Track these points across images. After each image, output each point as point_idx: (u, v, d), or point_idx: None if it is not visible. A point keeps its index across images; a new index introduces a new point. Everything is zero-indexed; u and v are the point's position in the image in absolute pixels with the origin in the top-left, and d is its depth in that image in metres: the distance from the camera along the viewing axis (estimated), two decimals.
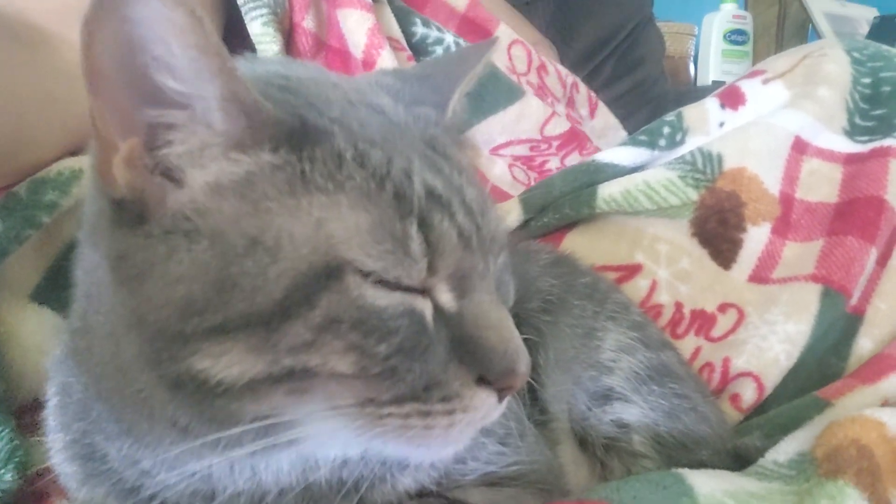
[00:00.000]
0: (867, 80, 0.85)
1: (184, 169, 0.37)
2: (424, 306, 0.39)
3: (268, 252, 0.35)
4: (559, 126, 1.13)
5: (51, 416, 0.50)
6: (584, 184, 0.86)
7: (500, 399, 0.41)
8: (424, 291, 0.39)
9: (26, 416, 0.61)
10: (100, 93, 0.35)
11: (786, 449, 0.54)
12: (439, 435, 0.39)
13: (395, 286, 0.37)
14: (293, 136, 0.37)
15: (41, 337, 0.64)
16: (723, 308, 0.78)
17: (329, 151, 0.38)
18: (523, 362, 0.40)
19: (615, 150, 0.89)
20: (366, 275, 0.36)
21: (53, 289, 0.66)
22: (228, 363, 0.36)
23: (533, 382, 0.58)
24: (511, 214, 0.87)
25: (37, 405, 0.62)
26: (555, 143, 1.11)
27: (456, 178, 0.41)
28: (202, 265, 0.36)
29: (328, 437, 0.39)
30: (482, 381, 0.39)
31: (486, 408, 0.40)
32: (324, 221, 0.36)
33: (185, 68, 0.35)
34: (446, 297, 0.40)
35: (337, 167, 0.37)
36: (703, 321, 0.78)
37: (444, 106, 0.49)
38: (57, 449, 0.49)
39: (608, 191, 0.82)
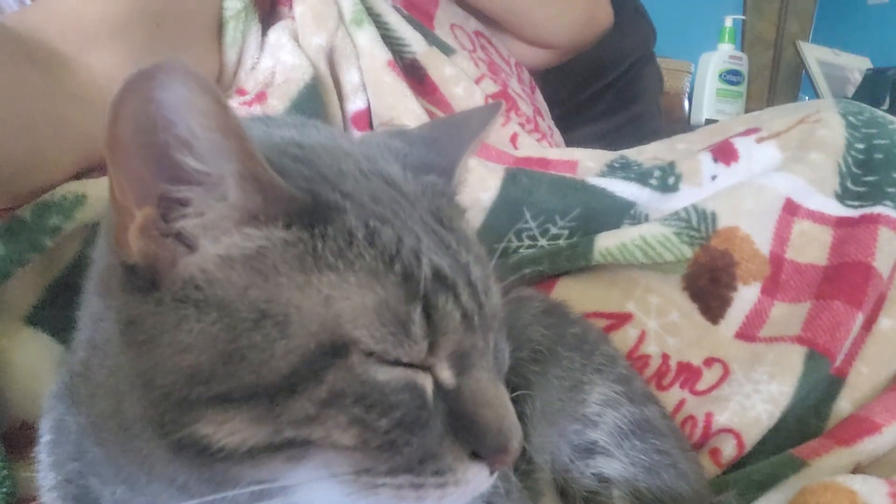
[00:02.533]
0: (861, 146, 0.87)
1: (196, 239, 0.38)
2: (426, 381, 0.39)
3: (277, 327, 0.36)
4: (491, 86, 1.15)
5: (44, 453, 0.50)
6: (569, 200, 0.89)
7: (491, 473, 0.41)
8: (426, 368, 0.40)
9: (13, 441, 0.60)
10: (120, 164, 0.36)
11: None
12: None
13: (396, 363, 0.38)
14: (306, 213, 0.38)
15: (34, 360, 0.64)
16: (709, 362, 0.79)
17: (340, 229, 0.38)
18: (516, 440, 0.40)
19: (606, 178, 0.91)
20: (368, 353, 0.37)
21: (49, 312, 0.66)
22: (231, 431, 0.36)
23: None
24: (487, 192, 0.89)
25: (24, 429, 0.62)
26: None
27: (463, 255, 0.42)
28: (211, 336, 0.36)
29: (322, 502, 0.39)
30: (475, 455, 0.40)
31: (478, 481, 0.40)
32: (332, 300, 0.37)
33: (206, 149, 0.36)
34: (446, 374, 0.40)
35: (348, 245, 0.38)
36: (688, 374, 0.79)
37: (451, 173, 0.49)
38: (48, 487, 0.49)
39: (605, 244, 0.83)
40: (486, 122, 0.53)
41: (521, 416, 0.56)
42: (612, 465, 0.59)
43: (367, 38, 1.03)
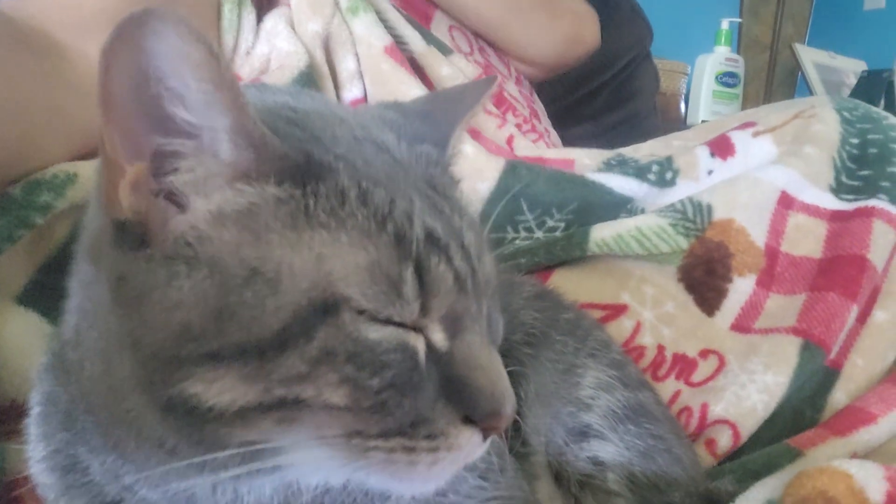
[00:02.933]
0: (855, 141, 0.87)
1: (188, 196, 0.38)
2: (418, 343, 0.39)
3: (267, 284, 0.36)
4: None
5: (33, 425, 0.49)
6: (568, 194, 0.89)
7: (485, 438, 0.41)
8: (418, 329, 0.39)
9: (3, 418, 0.60)
10: (111, 118, 0.36)
11: (755, 496, 0.54)
12: (422, 471, 0.39)
13: (388, 322, 0.38)
14: (298, 171, 0.38)
15: (24, 340, 0.63)
16: (704, 354, 0.79)
17: (333, 188, 0.38)
18: (509, 404, 0.40)
19: (604, 174, 0.91)
20: (360, 312, 0.37)
21: (40, 293, 0.66)
22: (220, 390, 0.36)
23: (516, 415, 0.59)
24: (485, 182, 0.89)
25: (14, 408, 0.61)
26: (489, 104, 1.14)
27: (456, 220, 0.41)
28: (201, 293, 0.36)
29: (312, 466, 0.39)
30: (468, 420, 0.40)
31: (471, 447, 0.40)
32: (324, 257, 0.36)
33: (198, 100, 0.36)
34: (438, 337, 0.40)
35: (340, 204, 0.38)
36: (683, 365, 0.79)
37: (445, 144, 0.49)
38: (37, 459, 0.48)
39: (600, 234, 0.84)
40: (480, 96, 0.54)
41: (517, 398, 0.55)
42: (607, 449, 0.59)
43: (363, 25, 1.03)
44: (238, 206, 0.37)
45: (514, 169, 0.92)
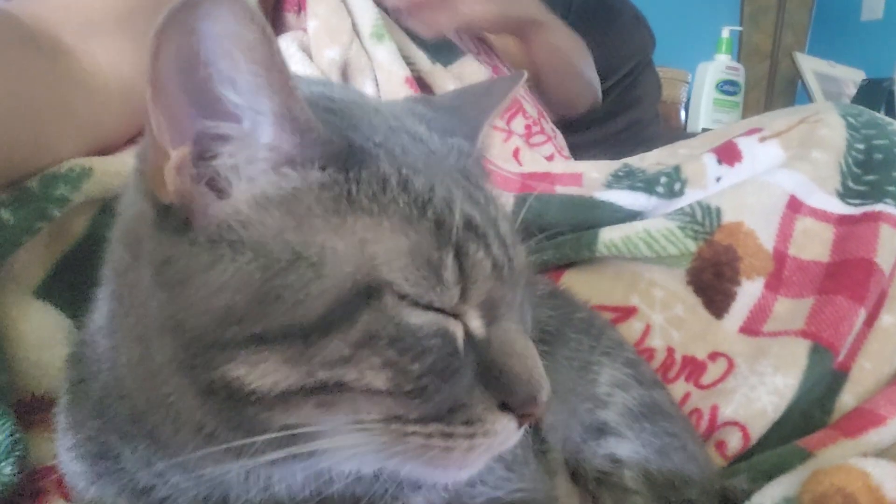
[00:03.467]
0: (861, 146, 0.88)
1: (231, 180, 0.38)
2: (456, 328, 0.40)
3: (311, 267, 0.36)
4: None
5: (62, 414, 0.50)
6: (580, 218, 0.88)
7: (520, 426, 0.42)
8: (457, 315, 0.40)
9: (23, 412, 0.60)
10: (159, 101, 0.36)
11: (772, 493, 0.55)
12: (458, 458, 0.40)
13: (428, 307, 0.38)
14: (341, 157, 0.38)
15: (43, 333, 0.63)
16: (713, 357, 0.80)
17: (375, 174, 0.39)
18: (545, 391, 0.41)
19: (613, 191, 0.91)
20: (402, 296, 0.37)
21: (58, 287, 0.66)
22: (263, 373, 0.36)
23: None
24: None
25: (34, 401, 0.62)
26: None
27: (491, 210, 0.42)
28: (245, 275, 0.36)
29: (350, 452, 0.39)
30: (504, 407, 0.40)
31: (506, 433, 0.41)
32: (367, 242, 0.37)
33: (248, 83, 0.36)
34: (476, 324, 0.41)
35: (382, 190, 0.38)
36: (693, 368, 0.80)
37: (474, 137, 0.50)
38: (66, 447, 0.49)
39: (609, 236, 0.84)
40: (508, 90, 0.54)
41: None
42: (624, 446, 0.59)
43: (386, 52, 1.05)
44: (282, 190, 0.38)
45: (525, 202, 0.92)
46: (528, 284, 0.52)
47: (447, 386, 0.38)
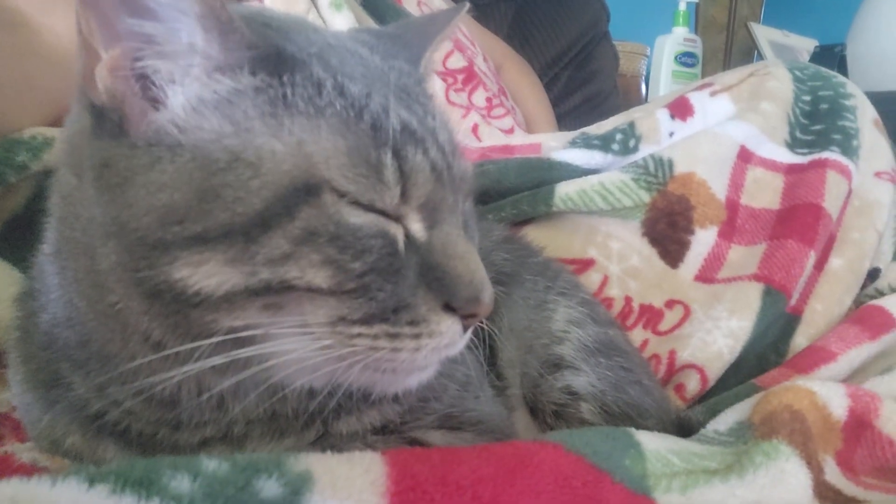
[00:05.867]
0: (807, 98, 0.90)
1: (166, 89, 0.39)
2: (397, 231, 0.40)
3: (249, 166, 0.37)
4: (458, 61, 1.19)
5: (13, 350, 0.50)
6: (537, 179, 0.89)
7: (465, 328, 0.42)
8: (397, 218, 0.41)
9: None
10: (87, 1, 0.37)
11: (725, 419, 0.56)
12: (406, 359, 0.40)
13: (370, 208, 0.39)
14: (270, 62, 0.39)
15: None
16: (670, 304, 0.81)
17: (308, 78, 0.39)
18: (487, 292, 0.41)
19: (569, 150, 0.92)
20: (342, 195, 0.38)
21: (8, 243, 0.67)
22: (207, 273, 0.37)
23: (490, 347, 0.60)
24: None
25: None
26: (459, 78, 1.16)
27: (430, 120, 0.43)
28: (185, 174, 0.37)
29: (298, 358, 0.40)
30: (448, 308, 0.41)
31: (451, 334, 0.41)
32: (304, 142, 0.38)
33: None
34: (417, 227, 0.42)
35: (317, 93, 0.39)
36: (650, 315, 0.81)
37: (417, 62, 0.50)
38: (18, 380, 0.49)
39: (565, 190, 0.85)
40: (450, 19, 0.55)
41: (491, 333, 0.57)
42: (580, 380, 0.60)
43: (344, 21, 1.04)
44: (217, 95, 0.38)
45: (482, 167, 0.92)
46: (479, 217, 0.53)
47: (389, 286, 0.39)
